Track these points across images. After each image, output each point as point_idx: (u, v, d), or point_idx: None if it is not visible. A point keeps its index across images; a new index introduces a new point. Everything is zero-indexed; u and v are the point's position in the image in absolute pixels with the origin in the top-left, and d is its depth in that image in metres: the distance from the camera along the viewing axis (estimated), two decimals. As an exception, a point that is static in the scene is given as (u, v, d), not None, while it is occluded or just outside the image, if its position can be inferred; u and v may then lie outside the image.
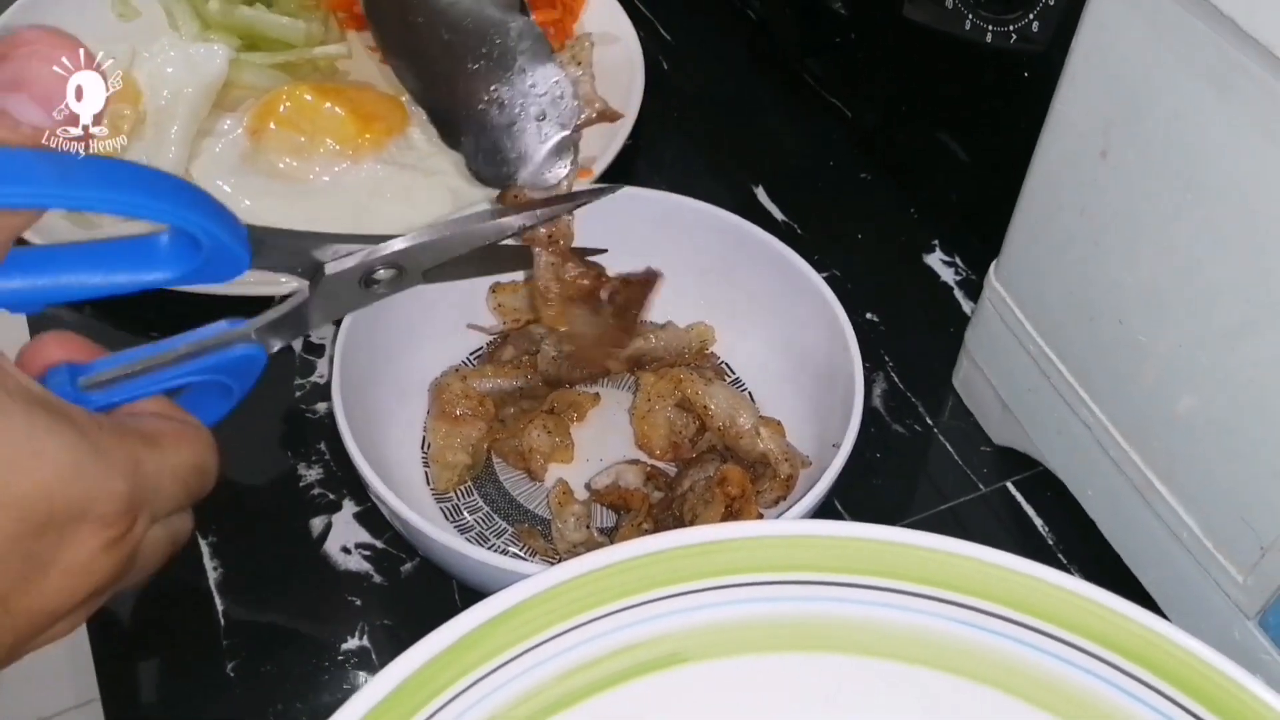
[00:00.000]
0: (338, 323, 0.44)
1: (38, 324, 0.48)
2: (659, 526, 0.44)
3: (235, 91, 0.60)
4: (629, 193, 0.48)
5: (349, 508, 0.46)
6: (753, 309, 0.50)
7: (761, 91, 0.67)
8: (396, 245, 0.40)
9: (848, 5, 0.59)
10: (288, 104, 0.57)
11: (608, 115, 0.46)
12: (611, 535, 0.45)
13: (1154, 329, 0.37)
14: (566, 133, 0.44)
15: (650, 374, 0.47)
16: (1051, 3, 0.45)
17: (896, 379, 0.52)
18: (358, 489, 0.47)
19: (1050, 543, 0.47)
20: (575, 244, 0.45)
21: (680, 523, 0.43)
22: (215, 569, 0.44)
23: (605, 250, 0.47)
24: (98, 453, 0.31)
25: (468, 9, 0.44)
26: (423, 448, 0.47)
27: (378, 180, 0.57)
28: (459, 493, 0.46)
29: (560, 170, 0.44)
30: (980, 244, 0.54)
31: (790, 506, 0.41)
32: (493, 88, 0.44)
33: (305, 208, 0.56)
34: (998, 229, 0.45)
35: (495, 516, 0.46)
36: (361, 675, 0.42)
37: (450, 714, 0.29)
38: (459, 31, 0.44)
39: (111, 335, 0.40)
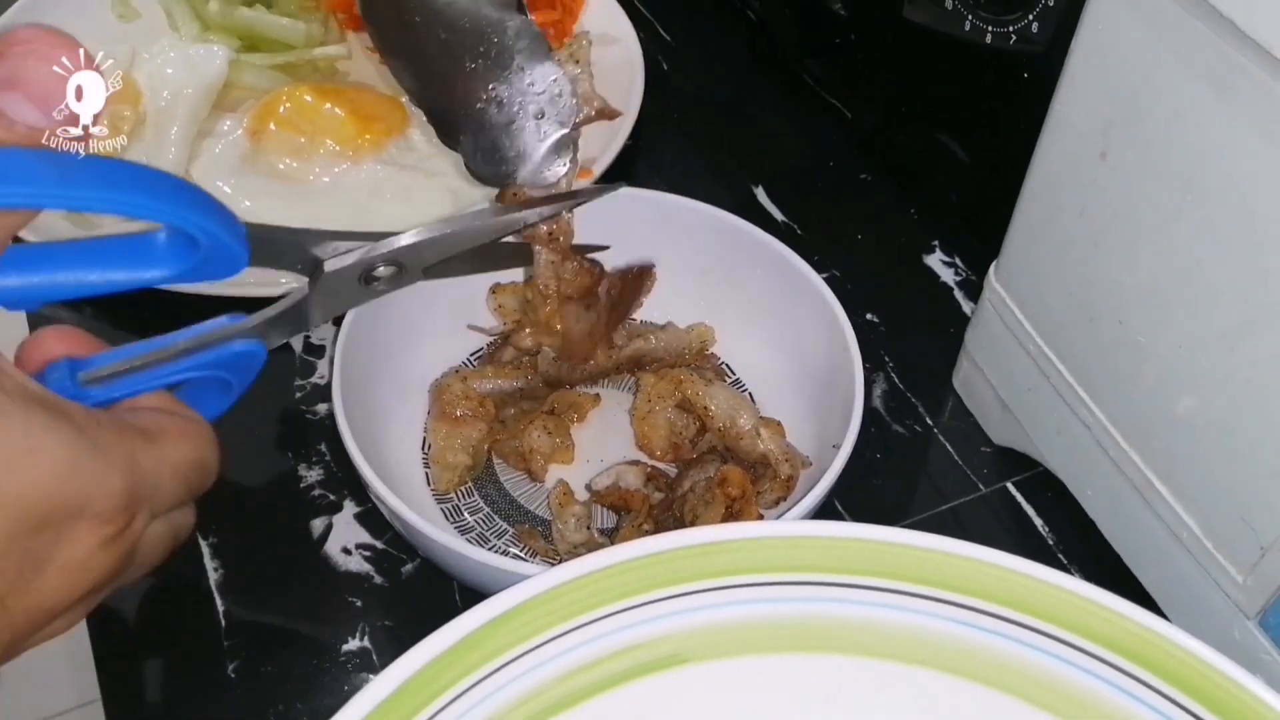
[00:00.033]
0: (338, 322, 0.44)
1: (37, 321, 0.49)
2: (659, 527, 0.44)
3: (235, 92, 0.60)
4: (629, 194, 0.48)
5: (349, 508, 0.46)
6: (753, 310, 0.50)
7: (761, 92, 0.67)
8: (398, 242, 0.40)
9: (847, 6, 0.59)
10: (288, 105, 0.57)
11: (606, 113, 0.46)
12: (612, 536, 0.45)
13: (1154, 329, 0.37)
14: (565, 130, 0.44)
15: (650, 375, 0.47)
16: (1051, 4, 0.45)
17: (896, 379, 0.52)
18: (358, 490, 0.47)
19: (1050, 543, 0.47)
20: (576, 242, 0.45)
21: (681, 524, 0.43)
22: (216, 570, 0.44)
23: (608, 247, 0.46)
24: (95, 449, 0.31)
25: (465, 8, 0.44)
26: (423, 449, 0.47)
27: (378, 181, 0.57)
28: (459, 493, 0.46)
29: (559, 168, 0.44)
30: (980, 245, 0.54)
31: (791, 507, 0.41)
32: (491, 86, 0.44)
33: (305, 208, 0.56)
34: (997, 230, 0.45)
35: (496, 517, 0.46)
36: (362, 676, 0.42)
37: (451, 715, 0.29)
38: (456, 31, 0.44)
39: (110, 334, 0.40)
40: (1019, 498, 0.48)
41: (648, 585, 0.32)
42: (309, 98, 0.58)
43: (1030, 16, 0.46)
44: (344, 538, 0.45)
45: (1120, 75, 0.35)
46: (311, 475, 0.47)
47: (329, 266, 0.39)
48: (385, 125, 0.58)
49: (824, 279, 0.46)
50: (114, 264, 0.34)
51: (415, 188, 0.57)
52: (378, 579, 0.44)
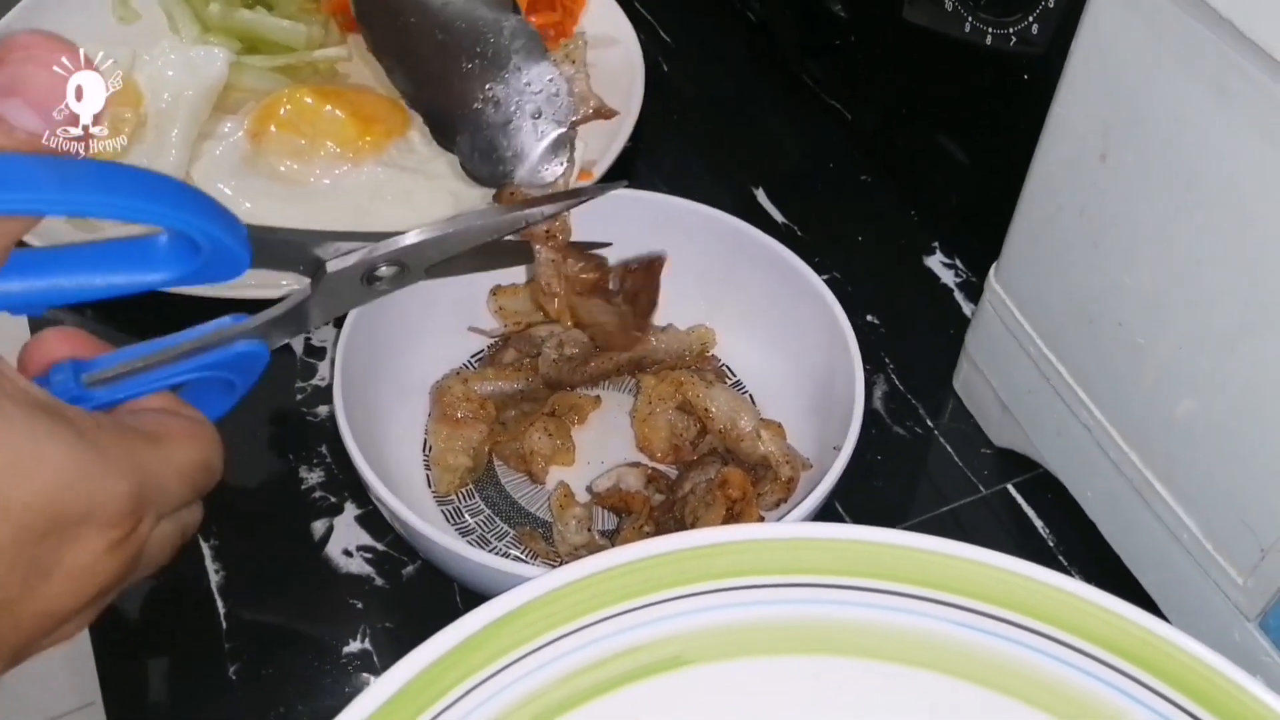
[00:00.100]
0: (338, 324, 0.44)
1: (39, 324, 0.49)
2: (660, 529, 0.44)
3: (236, 94, 0.60)
4: (629, 195, 0.48)
5: (350, 510, 0.46)
6: (753, 311, 0.50)
7: (761, 93, 0.67)
8: (400, 242, 0.40)
9: (847, 7, 0.59)
10: (288, 107, 0.57)
11: (603, 112, 0.46)
12: (613, 538, 0.45)
13: (1153, 331, 0.37)
14: (563, 130, 0.45)
15: (651, 377, 0.47)
16: (1051, 5, 0.45)
17: (897, 381, 0.52)
18: (359, 492, 0.47)
19: (1051, 545, 0.47)
20: (578, 239, 0.45)
21: (681, 525, 0.43)
22: (217, 571, 0.44)
23: (609, 244, 0.46)
24: (100, 455, 0.31)
25: (460, 9, 0.44)
26: (424, 450, 0.47)
27: (378, 183, 0.57)
28: (460, 495, 0.46)
29: (557, 168, 0.45)
30: (980, 246, 0.54)
31: (791, 509, 0.41)
32: (488, 87, 0.44)
33: (306, 210, 0.56)
34: (998, 231, 0.45)
35: (496, 519, 0.46)
36: (363, 678, 0.42)
37: (453, 716, 0.29)
38: (452, 32, 0.44)
39: (113, 336, 0.40)
40: (1019, 499, 0.48)
41: (649, 587, 0.32)
42: (309, 100, 0.58)
43: (1030, 18, 0.46)
44: (345, 539, 0.45)
45: (1120, 77, 0.35)
46: (312, 477, 0.47)
47: (331, 267, 0.39)
48: (386, 127, 0.58)
49: (824, 280, 0.46)
50: (116, 268, 0.34)
51: (416, 190, 0.57)
52: (379, 581, 0.44)
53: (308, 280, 0.40)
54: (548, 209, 0.43)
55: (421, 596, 0.44)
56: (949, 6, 0.49)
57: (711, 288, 0.50)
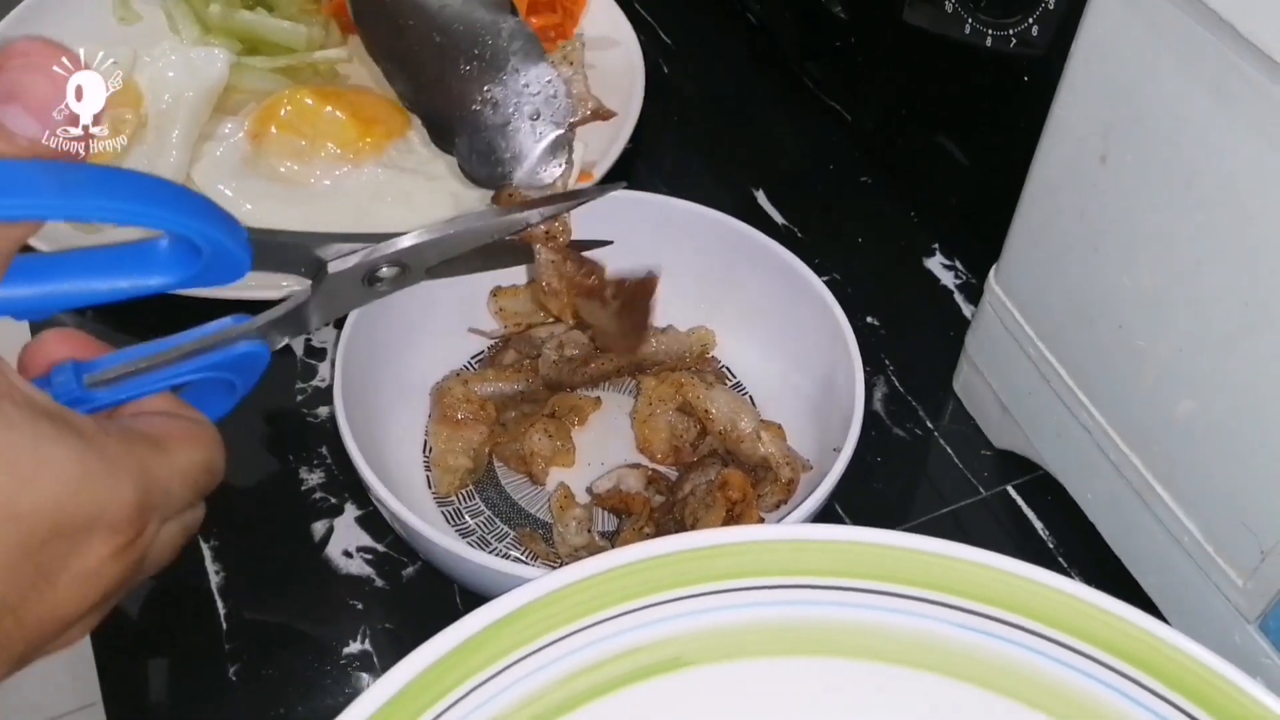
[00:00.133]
0: (338, 325, 0.44)
1: (38, 326, 0.48)
2: (660, 530, 0.44)
3: (236, 95, 0.60)
4: (629, 197, 0.48)
5: (350, 511, 0.46)
6: (753, 313, 0.50)
7: (762, 95, 0.67)
8: (401, 243, 0.40)
9: (847, 8, 0.59)
10: (288, 108, 0.57)
11: (601, 113, 0.46)
12: (613, 539, 0.45)
13: (1153, 333, 0.38)
14: (561, 131, 0.45)
15: (651, 378, 0.47)
16: (1051, 7, 0.45)
17: (897, 383, 0.52)
18: (359, 493, 0.47)
19: (1051, 546, 0.47)
20: (578, 237, 0.45)
21: (681, 527, 0.43)
22: (217, 572, 0.44)
23: (610, 242, 0.46)
24: (105, 461, 0.31)
25: (458, 11, 0.44)
26: (424, 451, 0.47)
27: (378, 184, 0.57)
28: (460, 496, 0.46)
29: (555, 169, 0.45)
30: (980, 247, 0.54)
31: (791, 510, 0.41)
32: (486, 88, 0.44)
33: (306, 211, 0.56)
34: (998, 232, 0.45)
35: (496, 520, 0.46)
36: (363, 678, 0.42)
37: (453, 717, 0.29)
38: (450, 34, 0.44)
39: (113, 337, 0.40)
40: (1019, 501, 0.48)
41: (649, 588, 0.32)
42: (310, 101, 0.58)
43: (1030, 20, 0.46)
44: (345, 540, 0.45)
45: (1120, 79, 0.35)
46: (313, 478, 0.47)
47: (333, 268, 0.39)
48: (386, 128, 0.58)
49: (824, 282, 0.46)
50: (118, 272, 0.34)
51: (416, 191, 0.57)
52: (379, 582, 0.44)
53: (308, 281, 0.40)
54: (548, 210, 0.43)
55: (421, 597, 0.44)
56: (949, 8, 0.49)
57: (711, 289, 0.50)
